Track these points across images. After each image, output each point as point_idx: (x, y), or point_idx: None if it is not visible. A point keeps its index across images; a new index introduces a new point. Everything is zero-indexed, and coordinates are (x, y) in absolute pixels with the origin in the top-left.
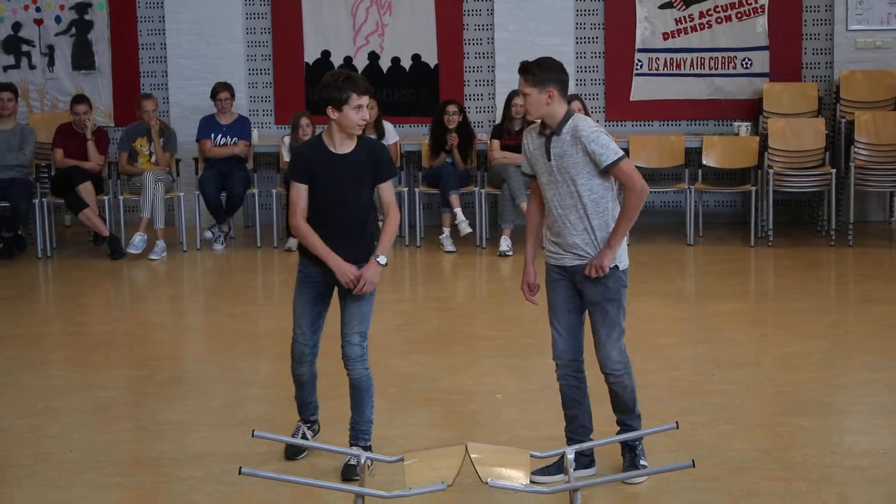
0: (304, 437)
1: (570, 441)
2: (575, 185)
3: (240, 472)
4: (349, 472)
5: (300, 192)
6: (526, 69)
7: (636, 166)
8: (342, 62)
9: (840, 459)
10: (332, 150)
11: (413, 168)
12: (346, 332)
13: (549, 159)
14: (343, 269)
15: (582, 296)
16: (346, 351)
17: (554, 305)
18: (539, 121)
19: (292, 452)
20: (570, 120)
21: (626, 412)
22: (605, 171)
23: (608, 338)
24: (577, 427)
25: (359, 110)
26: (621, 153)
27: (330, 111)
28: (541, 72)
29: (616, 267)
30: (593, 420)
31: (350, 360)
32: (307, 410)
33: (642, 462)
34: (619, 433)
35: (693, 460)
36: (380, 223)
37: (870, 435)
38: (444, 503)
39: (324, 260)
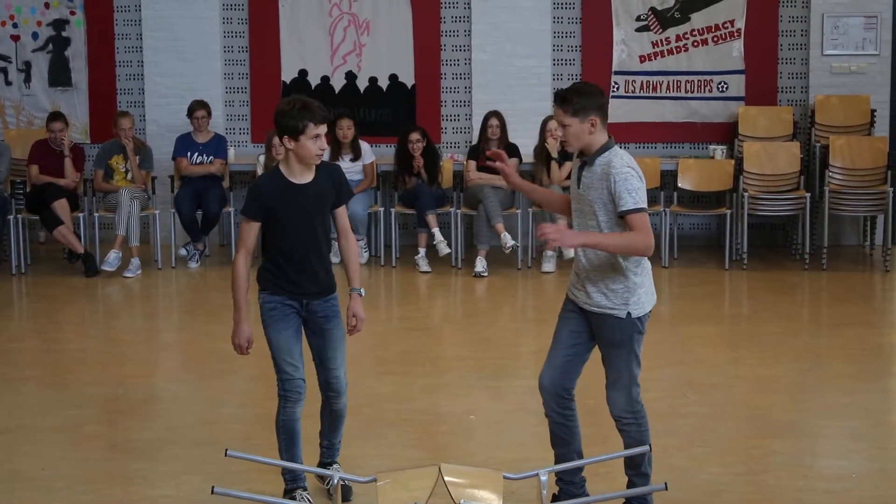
0: None
1: (560, 482)
2: (597, 220)
3: (212, 492)
4: (347, 493)
5: (251, 229)
6: (564, 98)
7: None
8: (319, 81)
9: (812, 483)
10: (293, 180)
11: (389, 188)
12: (333, 367)
13: (579, 187)
14: (241, 332)
15: (594, 335)
16: (336, 385)
17: (558, 334)
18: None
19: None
20: (607, 152)
21: (633, 467)
22: (620, 216)
23: (616, 382)
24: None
25: (316, 140)
26: (643, 205)
27: (286, 141)
28: (581, 99)
29: (629, 314)
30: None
31: (339, 394)
32: (300, 474)
33: None
34: (628, 486)
35: (666, 483)
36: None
37: (842, 459)
38: None
39: (235, 311)
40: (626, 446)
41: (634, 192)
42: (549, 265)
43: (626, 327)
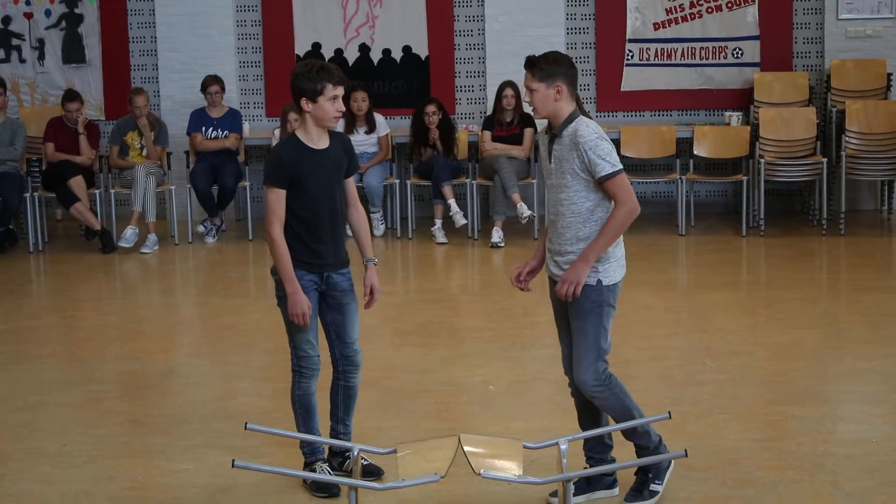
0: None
1: (590, 460)
2: (569, 192)
3: (233, 465)
4: (375, 471)
5: (280, 197)
6: (533, 63)
7: (627, 156)
8: (333, 54)
9: (833, 448)
10: (313, 146)
11: (404, 160)
12: (350, 340)
13: (551, 161)
14: (300, 301)
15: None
16: (356, 359)
17: (557, 318)
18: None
19: (319, 487)
20: (573, 123)
21: (628, 433)
22: (599, 183)
23: (584, 358)
24: (595, 445)
25: (335, 101)
26: (619, 166)
27: (304, 103)
28: (548, 66)
29: (599, 281)
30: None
31: (357, 369)
32: (319, 447)
33: (653, 487)
34: (638, 456)
35: (686, 450)
36: None
37: (862, 423)
38: (437, 494)
39: (285, 282)
40: (612, 418)
41: (607, 156)
42: None
43: (595, 295)
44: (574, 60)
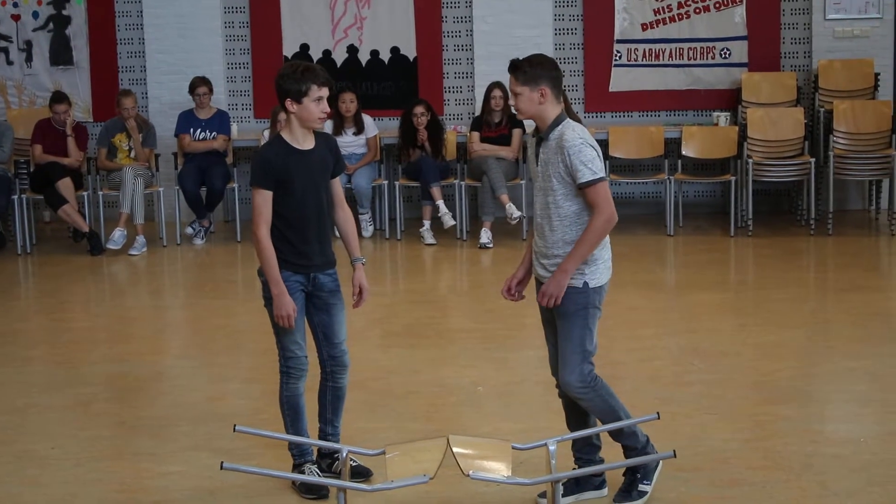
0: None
1: (579, 461)
2: (555, 195)
3: (221, 467)
4: (364, 472)
5: (266, 199)
6: (516, 67)
7: (616, 157)
8: (321, 56)
9: (821, 448)
10: (298, 147)
11: (393, 161)
12: (338, 342)
13: (538, 164)
14: (285, 303)
15: None
16: (343, 360)
17: (545, 321)
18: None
19: (308, 489)
20: (559, 126)
21: (615, 433)
22: (580, 189)
23: (569, 360)
24: (584, 445)
25: (319, 102)
26: (601, 174)
27: (289, 104)
28: (532, 69)
29: (585, 283)
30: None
31: (345, 369)
32: (308, 448)
33: (641, 487)
34: (626, 456)
35: (674, 450)
36: None
37: (850, 423)
38: (426, 496)
39: (271, 284)
40: (598, 419)
41: (590, 163)
42: None
43: (581, 297)
44: (562, 62)
